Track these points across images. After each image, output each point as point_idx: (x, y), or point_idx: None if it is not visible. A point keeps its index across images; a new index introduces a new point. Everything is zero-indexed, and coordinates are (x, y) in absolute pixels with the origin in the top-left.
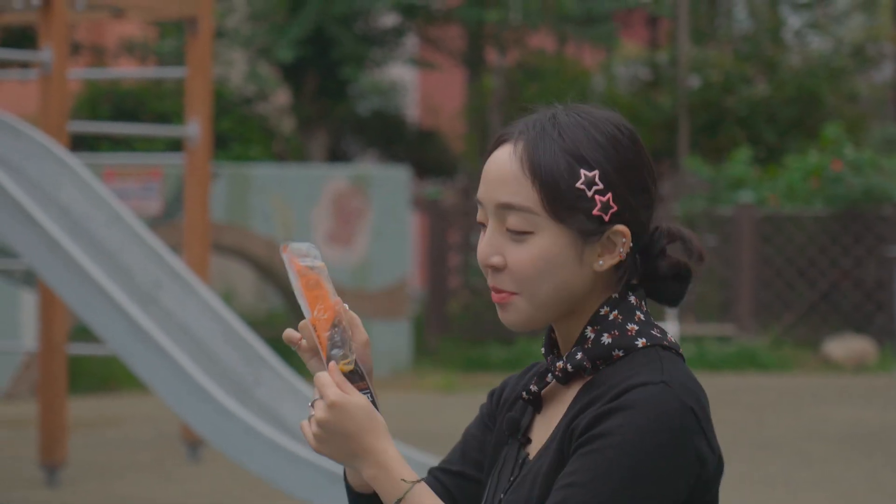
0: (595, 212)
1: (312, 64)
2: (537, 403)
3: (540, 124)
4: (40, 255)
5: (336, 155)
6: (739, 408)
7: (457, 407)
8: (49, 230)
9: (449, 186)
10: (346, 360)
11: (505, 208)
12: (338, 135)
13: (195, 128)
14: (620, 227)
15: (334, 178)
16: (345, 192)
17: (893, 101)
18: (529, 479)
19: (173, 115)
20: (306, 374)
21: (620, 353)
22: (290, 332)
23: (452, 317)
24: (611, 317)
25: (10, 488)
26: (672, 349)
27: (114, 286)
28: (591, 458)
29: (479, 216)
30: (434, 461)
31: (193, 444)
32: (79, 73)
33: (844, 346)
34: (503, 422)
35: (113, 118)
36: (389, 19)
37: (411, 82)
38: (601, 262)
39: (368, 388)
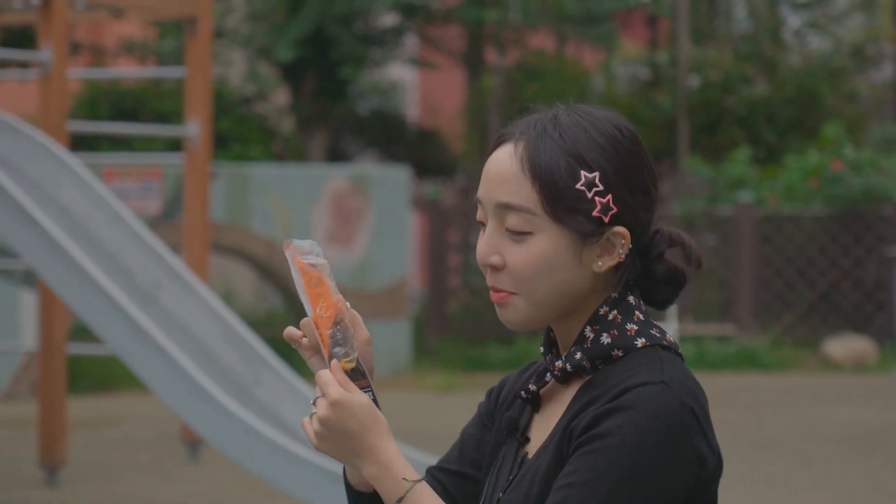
0: (595, 213)
1: (312, 64)
2: (536, 402)
3: (541, 124)
4: (40, 255)
5: (336, 155)
6: (739, 408)
7: (456, 407)
8: (49, 230)
9: (448, 186)
10: (349, 359)
11: (504, 208)
12: (337, 135)
13: (195, 128)
14: (620, 229)
15: (334, 178)
16: (344, 192)
17: (893, 101)
18: (528, 477)
19: (173, 115)
20: (306, 374)
21: (620, 353)
22: (291, 330)
23: (452, 317)
24: (610, 316)
25: (10, 488)
26: (671, 349)
27: (114, 286)
28: (590, 457)
29: (479, 215)
30: (433, 461)
31: (193, 444)
32: (78, 73)
33: (844, 346)
34: (501, 421)
35: (112, 118)
36: (389, 19)
37: (411, 82)
38: (600, 262)
39: (370, 386)
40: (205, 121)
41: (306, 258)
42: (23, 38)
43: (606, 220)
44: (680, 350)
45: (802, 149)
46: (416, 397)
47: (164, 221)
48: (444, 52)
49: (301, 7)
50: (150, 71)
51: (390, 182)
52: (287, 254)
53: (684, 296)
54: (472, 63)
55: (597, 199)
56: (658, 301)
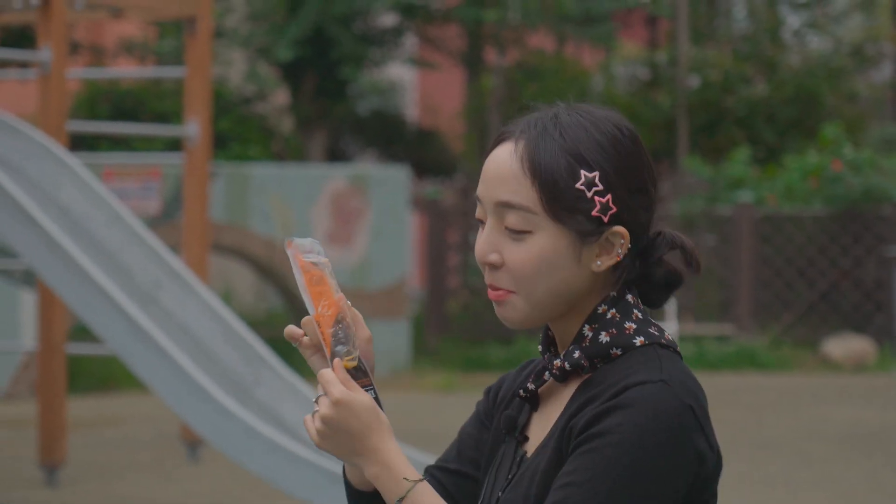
0: (594, 213)
1: (311, 64)
2: (534, 401)
3: (541, 123)
4: (40, 255)
5: (335, 155)
6: (739, 408)
7: (456, 407)
8: (49, 230)
9: (448, 186)
10: (350, 357)
11: (504, 206)
12: (337, 134)
13: (194, 127)
14: (619, 229)
15: (333, 178)
16: (344, 192)
17: (892, 100)
18: (527, 476)
19: (172, 115)
20: (306, 374)
21: (618, 352)
22: (291, 329)
23: (452, 316)
24: (608, 315)
25: (10, 488)
26: (670, 347)
27: (114, 286)
28: (589, 456)
29: (478, 213)
30: (433, 461)
31: (193, 444)
32: (78, 73)
33: (844, 346)
34: (500, 420)
35: (112, 118)
36: (388, 19)
37: (410, 82)
38: (599, 262)
39: (371, 384)
40: (204, 121)
41: (307, 256)
42: (22, 37)
43: (606, 219)
44: (678, 348)
45: (802, 149)
46: (415, 397)
47: (164, 221)
48: (443, 51)
49: (300, 7)
50: (149, 71)
51: (390, 182)
52: (288, 252)
53: (684, 296)
54: (472, 63)
55: (596, 198)
56: (652, 300)
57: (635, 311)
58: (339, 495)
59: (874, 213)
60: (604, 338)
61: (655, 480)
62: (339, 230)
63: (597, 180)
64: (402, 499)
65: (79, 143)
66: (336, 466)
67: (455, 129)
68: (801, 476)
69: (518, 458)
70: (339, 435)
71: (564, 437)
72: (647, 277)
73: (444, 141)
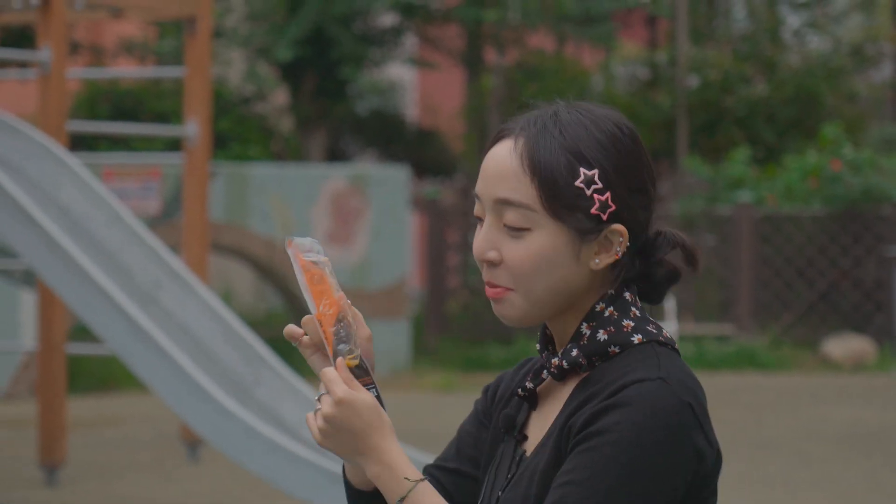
0: (593, 210)
1: (311, 64)
2: (533, 400)
3: (541, 121)
4: (40, 255)
5: (335, 154)
6: (738, 407)
7: (456, 406)
8: (49, 230)
9: (448, 186)
10: (352, 356)
11: (503, 204)
12: (337, 134)
13: (194, 127)
14: (618, 227)
15: (333, 178)
16: (343, 192)
17: (892, 100)
18: (527, 476)
19: (172, 115)
20: (306, 374)
21: (616, 350)
22: (291, 328)
23: (451, 316)
24: (606, 313)
25: (10, 488)
26: (668, 345)
27: (114, 286)
28: (588, 455)
29: (477, 210)
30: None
31: (193, 444)
32: (78, 73)
33: (843, 346)
34: (499, 418)
35: (112, 118)
36: (388, 19)
37: (410, 82)
38: (597, 260)
39: (373, 383)
40: (204, 121)
41: (308, 255)
42: (22, 37)
43: (605, 217)
44: (676, 345)
45: (802, 149)
46: (415, 397)
47: (164, 221)
48: (443, 51)
49: (300, 7)
50: (149, 71)
51: (389, 182)
52: (289, 251)
53: (684, 296)
54: (472, 63)
55: (595, 196)
56: (651, 297)
57: (633, 308)
58: (339, 495)
59: (874, 213)
60: (602, 336)
61: (653, 478)
62: (338, 230)
63: (596, 178)
64: (403, 498)
65: (79, 143)
66: (336, 466)
67: (455, 128)
68: (800, 476)
69: (517, 458)
70: (341, 434)
71: (563, 436)
72: (648, 277)
73: (444, 141)
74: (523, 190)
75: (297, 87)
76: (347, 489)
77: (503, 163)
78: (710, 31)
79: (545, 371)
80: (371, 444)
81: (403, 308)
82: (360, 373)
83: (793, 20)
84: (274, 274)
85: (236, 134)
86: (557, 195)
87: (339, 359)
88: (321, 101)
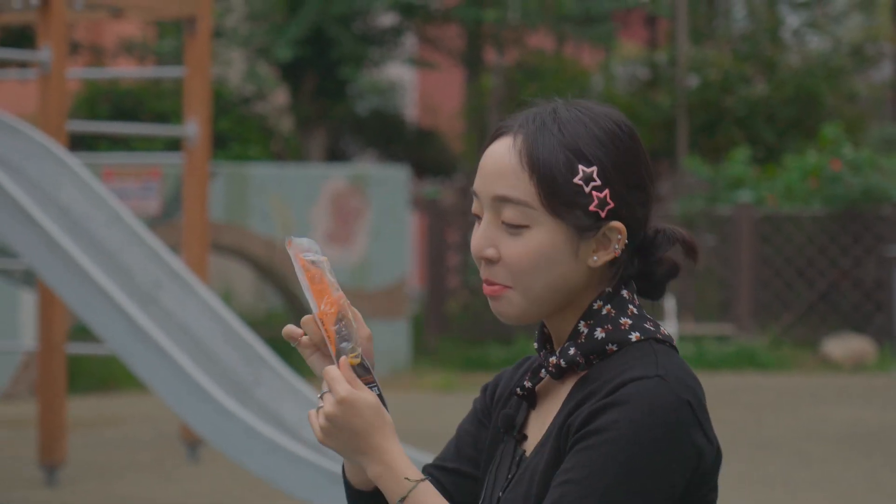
0: (592, 207)
1: (311, 64)
2: (532, 399)
3: (540, 118)
4: (40, 255)
5: (335, 154)
6: (738, 407)
7: (456, 406)
8: (49, 230)
9: (448, 186)
10: (354, 354)
11: (501, 201)
12: (336, 134)
13: (194, 127)
14: (616, 224)
15: (333, 178)
16: (343, 192)
17: (892, 100)
18: (527, 476)
19: (172, 115)
20: (306, 374)
21: (614, 348)
22: (290, 329)
23: (451, 316)
24: (604, 311)
25: (10, 488)
26: (666, 342)
27: (114, 286)
28: (586, 454)
29: (475, 208)
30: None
31: (193, 444)
32: (77, 73)
33: (843, 346)
34: (498, 418)
35: (112, 118)
36: (388, 19)
37: (410, 82)
38: (596, 257)
39: (375, 381)
40: (204, 120)
41: (307, 255)
42: (22, 37)
43: (603, 214)
44: (674, 343)
45: (801, 149)
46: (415, 397)
47: (164, 221)
48: (443, 51)
49: (300, 7)
50: (149, 71)
51: (389, 182)
52: (289, 252)
53: (684, 296)
54: (472, 63)
55: (594, 193)
56: (652, 294)
57: (630, 306)
58: (339, 495)
59: (874, 213)
60: (599, 334)
61: (651, 476)
62: (338, 230)
63: (595, 175)
64: (403, 498)
65: (79, 143)
66: (336, 466)
67: (455, 128)
68: (800, 476)
69: (517, 458)
70: (342, 433)
71: (562, 436)
72: (648, 275)
73: (444, 141)
74: (522, 187)
75: (297, 87)
76: (347, 489)
77: (502, 160)
78: (710, 30)
79: (543, 370)
80: (372, 443)
81: (403, 308)
82: (362, 371)
83: (792, 20)
84: (274, 274)
85: (236, 134)
86: (556, 192)
87: (343, 357)
88: (321, 101)
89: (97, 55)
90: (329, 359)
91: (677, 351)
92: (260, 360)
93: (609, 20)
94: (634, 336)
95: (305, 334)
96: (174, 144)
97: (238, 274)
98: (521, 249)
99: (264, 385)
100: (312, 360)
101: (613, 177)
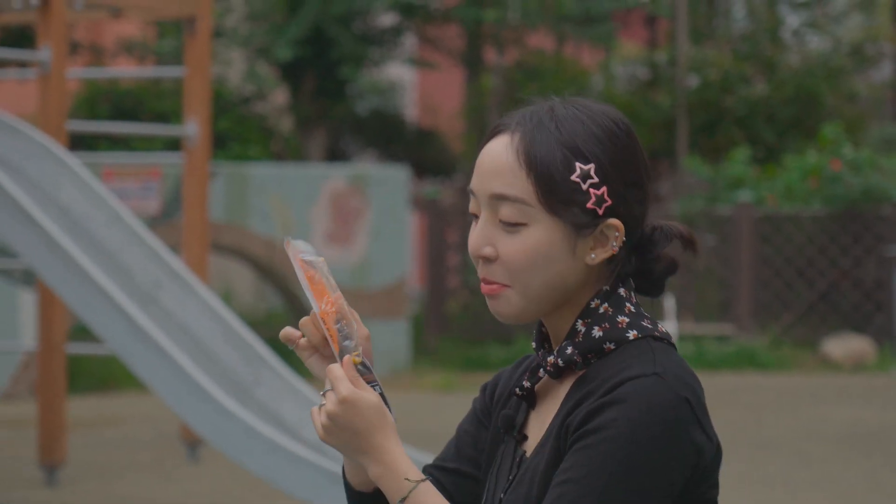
0: (589, 205)
1: (311, 63)
2: (531, 399)
3: (537, 116)
4: (40, 255)
5: (335, 154)
6: (738, 407)
7: (456, 406)
8: (49, 230)
9: (448, 186)
10: (356, 353)
11: (499, 199)
12: (336, 134)
13: (194, 127)
14: (614, 221)
15: (333, 178)
16: (343, 192)
17: (892, 100)
18: (528, 477)
19: (172, 115)
20: (306, 374)
21: (612, 346)
22: (288, 331)
23: (451, 316)
24: (601, 309)
25: (10, 488)
26: (663, 339)
27: (114, 286)
28: (585, 453)
29: (472, 207)
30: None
31: (193, 444)
32: (77, 73)
33: (843, 346)
34: (498, 419)
35: (111, 118)
36: (388, 19)
37: (410, 82)
38: (593, 255)
39: (376, 380)
40: (204, 120)
41: (304, 256)
42: (22, 37)
43: (601, 212)
44: (672, 340)
45: (801, 149)
46: (415, 397)
47: (164, 221)
48: (443, 51)
49: (300, 7)
50: (149, 71)
51: (389, 182)
52: (289, 253)
53: (684, 296)
54: (471, 63)
55: (591, 190)
56: (652, 291)
57: (628, 304)
58: (339, 495)
59: (874, 213)
60: (597, 332)
61: (649, 474)
62: (338, 230)
63: (592, 173)
64: (404, 499)
65: (78, 143)
66: (336, 467)
67: (455, 128)
68: (800, 476)
69: (518, 459)
70: (343, 432)
71: (562, 435)
72: (646, 273)
73: (444, 141)
74: (519, 185)
75: (297, 87)
76: (347, 490)
77: (499, 158)
78: (709, 30)
79: (542, 369)
80: (373, 443)
81: (403, 308)
82: (364, 370)
83: (792, 20)
84: (274, 274)
85: (236, 134)
86: (553, 190)
87: (347, 356)
88: (321, 101)
89: (97, 55)
90: (328, 360)
91: (675, 348)
92: (260, 360)
93: (609, 20)
94: (632, 334)
95: (303, 336)
96: (174, 144)
97: (238, 274)
98: (518, 247)
99: (264, 385)
100: (311, 361)
101: (611, 174)
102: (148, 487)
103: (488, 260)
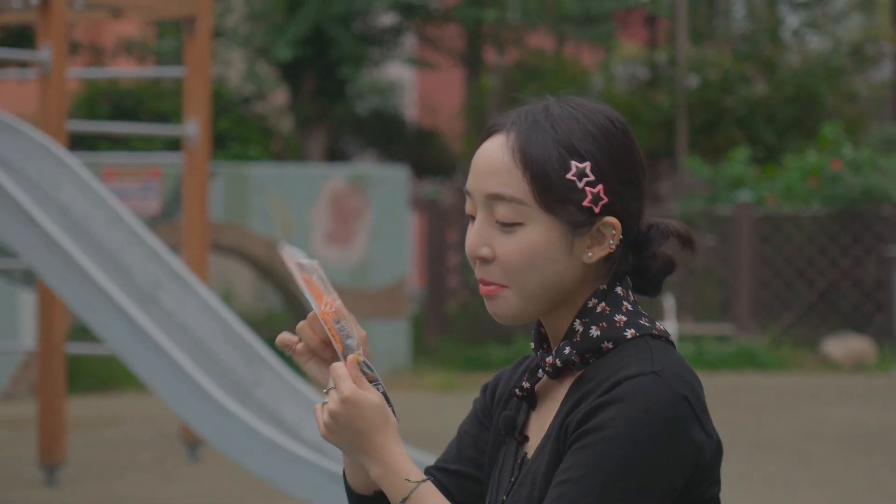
0: (585, 203)
1: (311, 63)
2: (531, 400)
3: (532, 115)
4: (40, 255)
5: (335, 154)
6: (738, 407)
7: (456, 406)
8: (49, 230)
9: (447, 186)
10: (358, 352)
11: (495, 199)
12: (336, 134)
13: (194, 127)
14: (610, 219)
15: (333, 178)
16: (343, 192)
17: (892, 100)
18: (529, 479)
19: (172, 115)
20: (306, 374)
21: (610, 345)
22: (285, 336)
23: (451, 316)
24: (598, 309)
25: (10, 488)
26: (661, 337)
27: (114, 286)
28: (583, 453)
29: (468, 208)
30: (433, 461)
31: (193, 444)
32: (77, 73)
33: (843, 346)
34: (499, 420)
35: (111, 118)
36: (388, 19)
37: (410, 82)
38: (590, 253)
39: (378, 380)
40: (204, 120)
41: (298, 260)
42: (22, 37)
43: (597, 209)
44: (670, 337)
45: (801, 148)
46: (415, 397)
47: (164, 221)
48: (443, 51)
49: (300, 7)
50: (148, 71)
51: (389, 182)
52: (284, 257)
53: (684, 296)
54: (471, 63)
55: (587, 189)
56: (650, 290)
57: (625, 303)
58: (339, 495)
59: (874, 213)
60: (594, 332)
61: (649, 473)
62: (338, 230)
63: (588, 171)
64: (405, 499)
65: (78, 143)
66: (336, 467)
67: (454, 128)
68: (800, 476)
69: (519, 460)
70: (345, 431)
71: (562, 436)
72: (643, 271)
73: (444, 141)
74: (515, 184)
75: (297, 87)
76: (349, 494)
77: (494, 157)
78: (709, 30)
79: (541, 370)
80: (374, 443)
81: (403, 308)
82: (366, 370)
83: (792, 20)
84: (274, 274)
85: (236, 134)
86: (549, 189)
87: (351, 356)
88: (321, 101)
89: (97, 55)
90: (326, 364)
91: (674, 346)
92: (260, 360)
93: (609, 20)
94: (630, 333)
95: (300, 341)
96: (174, 144)
97: (238, 274)
98: (515, 247)
99: (264, 385)
100: (309, 366)
101: (607, 172)
102: (148, 487)
103: (485, 260)
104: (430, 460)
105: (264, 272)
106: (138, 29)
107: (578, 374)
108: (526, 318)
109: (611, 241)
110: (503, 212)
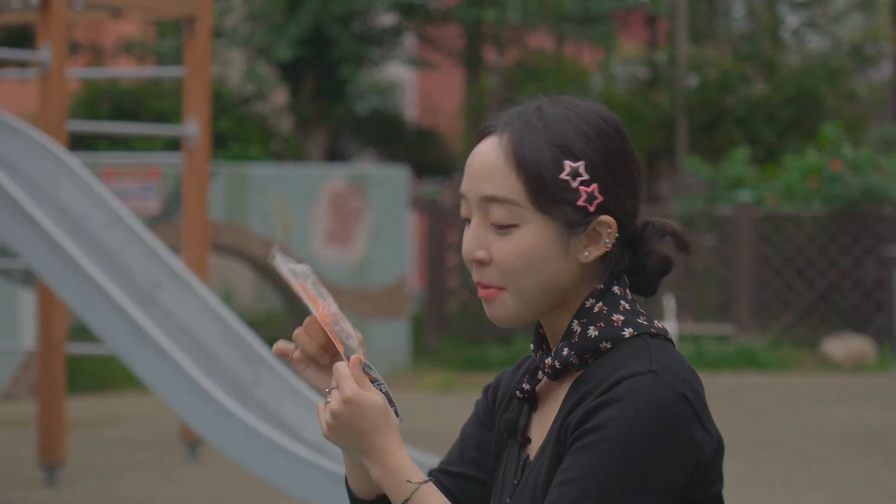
0: (580, 203)
1: (311, 63)
2: (532, 401)
3: (525, 116)
4: (40, 255)
5: (334, 154)
6: (738, 407)
7: (456, 406)
8: (49, 230)
9: (447, 186)
10: (359, 353)
11: (489, 201)
12: (336, 134)
13: (194, 127)
14: (606, 218)
15: (333, 178)
16: (343, 192)
17: (892, 100)
18: (531, 481)
19: (172, 115)
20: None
21: (608, 345)
22: (281, 345)
23: (451, 316)
24: (596, 309)
25: (10, 488)
26: (660, 336)
27: (114, 286)
28: (583, 453)
29: (463, 211)
30: (433, 461)
31: (193, 444)
32: (77, 73)
33: (843, 346)
34: (501, 423)
35: (111, 118)
36: (388, 19)
37: (410, 82)
38: (587, 253)
39: (380, 380)
40: (204, 120)
41: (290, 266)
42: (22, 37)
43: (592, 209)
44: (669, 336)
45: (801, 148)
46: (415, 397)
47: (164, 221)
48: (442, 51)
49: (300, 7)
50: (148, 70)
51: (389, 182)
52: (276, 264)
53: (683, 296)
54: (471, 63)
55: (581, 188)
56: (647, 290)
57: (623, 302)
58: (339, 495)
59: (874, 213)
60: (592, 332)
61: (647, 472)
62: (338, 230)
63: (581, 170)
64: (406, 501)
65: (78, 143)
66: (336, 467)
67: (454, 128)
68: (800, 476)
69: (521, 462)
70: (347, 432)
71: (562, 437)
72: (638, 269)
73: (444, 141)
74: (509, 185)
75: (297, 87)
76: (350, 498)
77: (488, 159)
78: (709, 30)
79: (540, 371)
80: (375, 444)
81: (403, 308)
82: (367, 370)
83: (792, 20)
84: (274, 274)
85: (236, 134)
86: (543, 189)
87: (353, 356)
88: (321, 101)
89: (97, 55)
90: (324, 370)
91: (673, 344)
92: (260, 360)
93: (609, 20)
94: (627, 332)
95: (297, 349)
96: (174, 144)
97: (238, 274)
98: (511, 249)
99: (264, 385)
100: (307, 373)
101: (601, 171)
102: (148, 487)
103: (482, 263)
104: (431, 460)
105: (264, 272)
106: (138, 29)
107: (578, 374)
108: (524, 320)
109: (607, 240)
110: (498, 214)
